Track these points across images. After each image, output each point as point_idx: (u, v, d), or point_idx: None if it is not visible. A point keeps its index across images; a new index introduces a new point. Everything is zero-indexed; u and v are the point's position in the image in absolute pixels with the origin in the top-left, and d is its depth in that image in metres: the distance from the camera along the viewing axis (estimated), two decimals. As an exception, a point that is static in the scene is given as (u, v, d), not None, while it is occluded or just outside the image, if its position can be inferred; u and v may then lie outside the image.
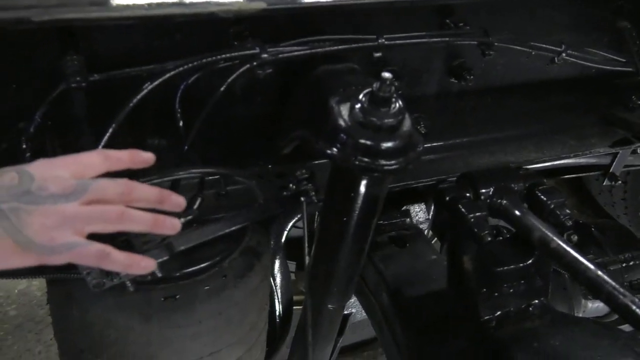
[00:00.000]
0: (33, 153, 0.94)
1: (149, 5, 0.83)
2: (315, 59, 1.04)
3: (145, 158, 0.82)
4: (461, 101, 1.34)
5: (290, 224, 1.45)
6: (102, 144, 0.87)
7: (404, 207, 1.54)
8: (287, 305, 1.51)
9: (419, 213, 1.55)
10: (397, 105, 0.89)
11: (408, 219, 1.53)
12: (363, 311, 2.01)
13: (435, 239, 1.78)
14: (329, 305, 1.24)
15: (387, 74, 0.86)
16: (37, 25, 0.81)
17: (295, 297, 1.56)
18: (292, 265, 1.78)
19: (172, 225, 0.81)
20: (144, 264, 0.79)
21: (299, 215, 1.47)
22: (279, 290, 1.47)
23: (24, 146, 0.95)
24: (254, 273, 1.10)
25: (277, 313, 1.48)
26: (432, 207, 1.56)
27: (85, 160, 0.75)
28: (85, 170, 0.75)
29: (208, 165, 0.95)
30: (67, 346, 1.12)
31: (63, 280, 1.01)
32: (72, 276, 0.94)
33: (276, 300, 1.47)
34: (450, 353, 1.16)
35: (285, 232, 1.44)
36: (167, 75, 0.89)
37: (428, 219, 1.57)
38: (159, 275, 0.94)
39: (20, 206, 0.68)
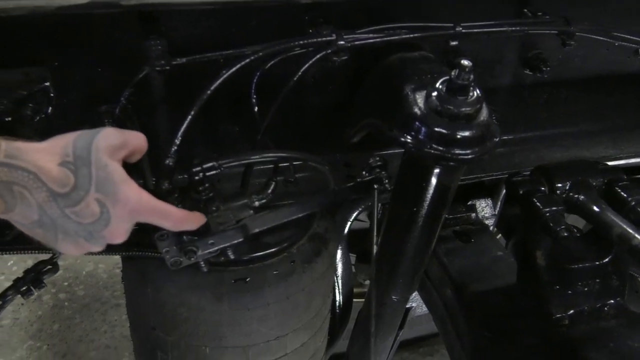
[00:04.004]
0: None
1: (231, -10, 0.85)
2: (389, 46, 1.03)
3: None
4: (535, 93, 1.30)
5: (354, 214, 1.45)
6: (183, 128, 0.89)
7: (470, 202, 1.52)
8: (348, 296, 1.51)
9: (485, 208, 1.52)
10: (475, 93, 0.88)
11: (474, 214, 1.50)
12: (420, 306, 2.00)
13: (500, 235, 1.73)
14: (393, 297, 1.23)
15: (466, 61, 0.85)
16: (125, 9, 0.84)
17: (354, 290, 1.56)
18: (352, 258, 1.78)
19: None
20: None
21: (362, 207, 1.47)
22: (339, 281, 1.48)
23: (107, 128, 0.99)
24: (321, 259, 1.11)
25: (337, 303, 1.48)
26: (499, 203, 1.53)
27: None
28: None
29: (282, 150, 0.95)
30: (139, 323, 1.16)
31: (138, 259, 1.04)
32: (149, 255, 0.96)
33: (337, 291, 1.47)
34: (519, 350, 1.14)
35: (349, 223, 1.45)
36: (247, 60, 0.90)
37: (494, 214, 1.53)
38: (232, 257, 0.96)
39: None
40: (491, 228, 1.56)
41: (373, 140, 1.22)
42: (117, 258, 2.72)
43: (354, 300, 1.55)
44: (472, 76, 0.86)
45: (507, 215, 1.58)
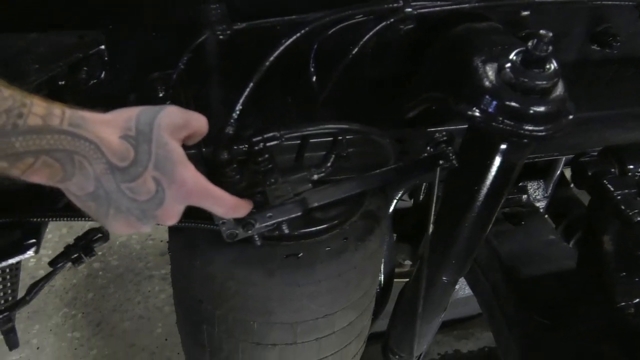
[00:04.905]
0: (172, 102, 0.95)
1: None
2: (457, 16, 0.98)
3: None
4: (600, 71, 1.24)
5: (400, 193, 1.41)
6: (244, 96, 0.85)
7: (521, 183, 1.47)
8: (389, 275, 1.48)
9: (537, 190, 1.47)
10: (553, 66, 0.83)
11: (525, 196, 1.45)
12: (457, 289, 1.97)
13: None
14: (444, 278, 1.20)
15: (545, 31, 0.80)
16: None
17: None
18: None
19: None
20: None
21: (409, 185, 1.43)
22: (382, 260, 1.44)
23: (161, 95, 0.96)
24: (374, 237, 1.07)
25: (379, 283, 1.46)
26: (552, 185, 1.47)
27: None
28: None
29: (343, 121, 0.91)
30: (185, 296, 1.14)
31: (187, 230, 1.02)
32: (203, 226, 0.94)
33: (379, 270, 1.44)
34: (575, 336, 1.10)
35: (395, 202, 1.41)
36: (311, 26, 0.86)
37: (546, 197, 1.48)
38: (286, 231, 0.93)
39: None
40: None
41: (426, 116, 1.18)
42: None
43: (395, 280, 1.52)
44: (550, 47, 0.81)
45: (558, 198, 1.53)
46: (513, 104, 0.83)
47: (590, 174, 0.99)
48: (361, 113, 1.17)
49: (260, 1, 0.95)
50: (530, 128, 0.83)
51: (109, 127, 0.66)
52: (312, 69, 0.97)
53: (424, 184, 1.56)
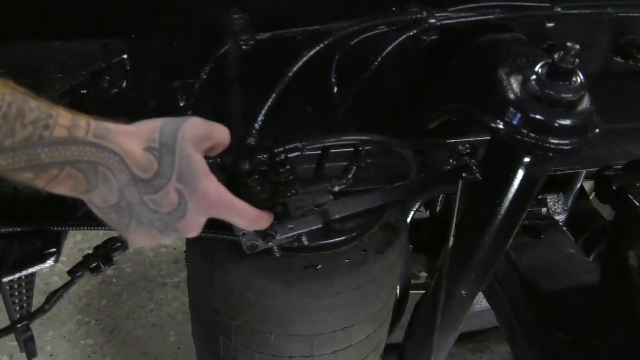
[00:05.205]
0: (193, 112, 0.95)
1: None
2: (479, 27, 0.97)
3: None
4: (624, 83, 1.22)
5: (418, 205, 1.40)
6: (267, 107, 0.85)
7: (541, 196, 1.45)
8: (405, 287, 1.46)
9: (557, 204, 1.45)
10: (579, 79, 0.82)
11: (544, 209, 1.44)
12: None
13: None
14: (463, 292, 1.18)
15: (572, 44, 0.79)
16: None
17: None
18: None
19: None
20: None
21: (426, 197, 1.42)
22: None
23: (182, 104, 0.96)
24: (393, 250, 1.06)
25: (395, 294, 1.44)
26: (572, 198, 1.45)
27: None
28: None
29: (365, 133, 0.91)
30: (202, 306, 1.14)
31: (205, 240, 1.01)
32: (223, 237, 0.93)
33: (395, 282, 1.43)
34: (597, 353, 1.08)
35: (412, 213, 1.40)
36: (337, 37, 0.86)
37: (566, 210, 1.46)
38: (306, 243, 0.92)
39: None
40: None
41: (447, 128, 1.16)
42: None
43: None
44: (578, 60, 0.80)
45: (578, 212, 1.51)
46: (538, 116, 0.82)
47: (615, 188, 0.98)
48: (382, 124, 1.17)
49: (283, 12, 0.95)
50: (556, 142, 0.82)
51: (133, 138, 0.65)
52: (334, 80, 0.96)
53: (441, 195, 1.54)
